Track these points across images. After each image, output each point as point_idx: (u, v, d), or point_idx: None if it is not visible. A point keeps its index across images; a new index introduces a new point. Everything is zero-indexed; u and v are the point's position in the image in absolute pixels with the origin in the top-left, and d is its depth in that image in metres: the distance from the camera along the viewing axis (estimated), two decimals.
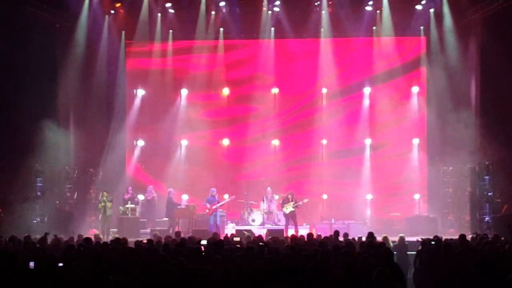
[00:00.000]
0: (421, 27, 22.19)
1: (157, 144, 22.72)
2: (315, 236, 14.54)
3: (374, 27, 22.33)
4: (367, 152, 22.68)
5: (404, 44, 22.76)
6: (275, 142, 22.97)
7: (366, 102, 22.84)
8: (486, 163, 19.50)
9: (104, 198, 19.83)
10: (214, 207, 19.90)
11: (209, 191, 20.31)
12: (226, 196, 21.05)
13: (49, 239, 13.94)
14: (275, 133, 23.01)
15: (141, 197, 21.44)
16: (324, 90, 22.82)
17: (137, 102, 22.99)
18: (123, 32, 22.58)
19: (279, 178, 22.37)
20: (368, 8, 21.89)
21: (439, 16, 21.69)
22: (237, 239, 14.10)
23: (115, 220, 20.25)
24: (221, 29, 22.58)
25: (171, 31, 22.58)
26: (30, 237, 13.67)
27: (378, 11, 22.02)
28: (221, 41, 22.86)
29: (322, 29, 22.30)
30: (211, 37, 22.60)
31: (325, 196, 22.20)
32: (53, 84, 20.57)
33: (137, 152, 22.87)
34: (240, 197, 21.12)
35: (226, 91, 23.03)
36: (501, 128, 19.37)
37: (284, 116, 23.08)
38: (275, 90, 23.00)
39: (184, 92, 23.07)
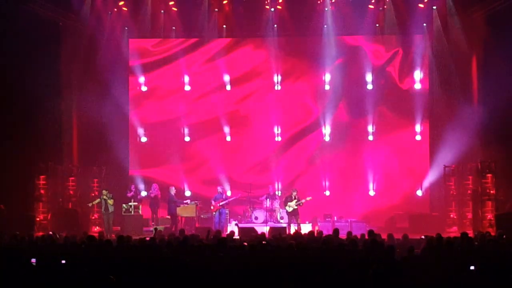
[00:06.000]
0: (424, 25, 22.13)
1: (161, 140, 22.76)
2: (315, 234, 14.57)
3: (377, 25, 22.30)
4: (370, 150, 22.65)
5: (407, 41, 22.70)
6: (279, 139, 22.97)
7: (368, 99, 22.79)
8: (489, 161, 19.49)
9: (104, 196, 19.82)
10: (219, 204, 19.94)
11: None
12: (229, 193, 21.22)
13: None
14: (279, 130, 23.00)
15: (144, 193, 21.61)
16: (327, 87, 22.79)
17: (140, 98, 23.07)
18: (126, 29, 22.58)
19: (282, 175, 22.46)
20: (371, 6, 21.88)
21: (442, 13, 21.66)
22: (236, 237, 14.12)
23: (118, 218, 20.27)
24: (224, 26, 22.61)
25: (174, 28, 22.61)
26: (34, 234, 13.72)
27: (381, 9, 22.00)
28: (224, 39, 22.88)
29: (325, 27, 22.30)
30: (214, 34, 22.60)
31: (327, 194, 22.31)
32: (56, 83, 20.59)
33: (140, 148, 22.92)
34: (244, 195, 21.13)
35: (228, 88, 23.05)
36: (504, 126, 19.33)
37: (288, 114, 23.01)
38: (278, 88, 23.00)
39: (187, 88, 23.09)
